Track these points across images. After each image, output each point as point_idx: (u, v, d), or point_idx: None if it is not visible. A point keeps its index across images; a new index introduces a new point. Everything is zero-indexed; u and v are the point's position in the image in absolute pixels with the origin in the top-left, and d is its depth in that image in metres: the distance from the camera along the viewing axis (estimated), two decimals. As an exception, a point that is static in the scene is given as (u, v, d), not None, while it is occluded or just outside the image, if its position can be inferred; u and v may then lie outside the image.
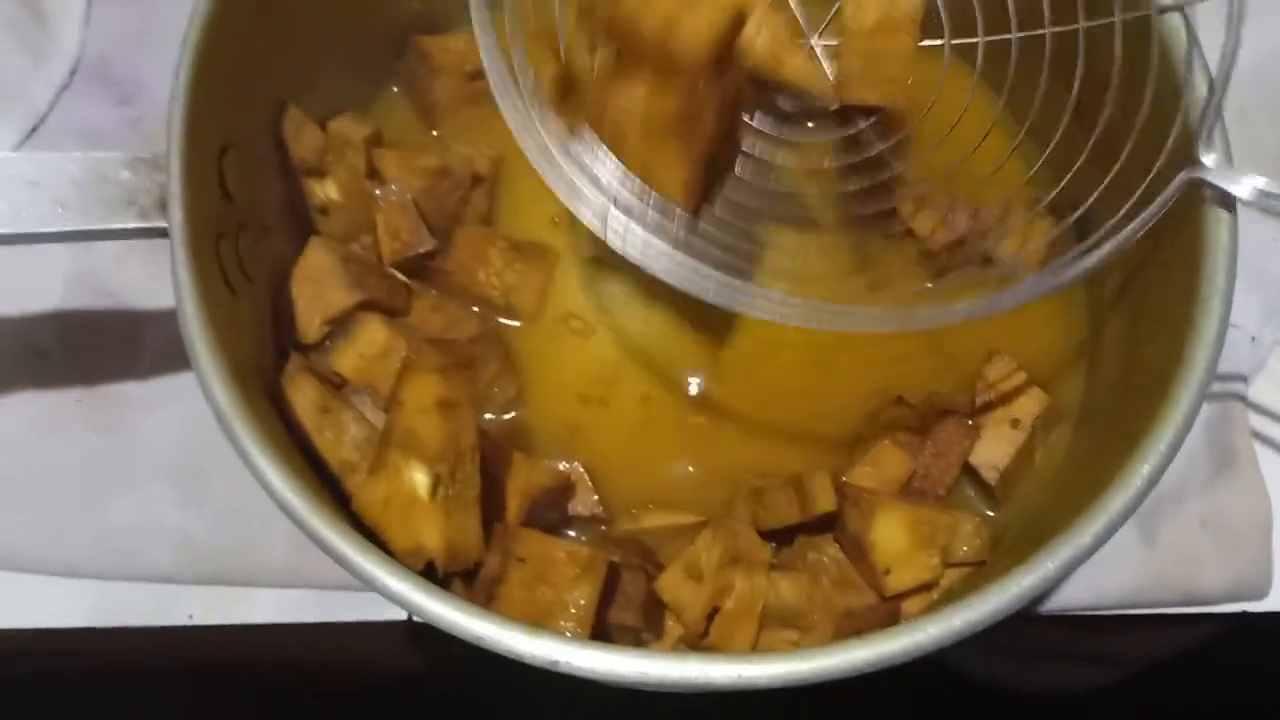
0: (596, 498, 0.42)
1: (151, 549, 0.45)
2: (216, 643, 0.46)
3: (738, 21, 0.36)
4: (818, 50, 0.43)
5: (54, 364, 0.48)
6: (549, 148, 0.36)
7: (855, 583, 0.39)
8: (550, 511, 0.41)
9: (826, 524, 0.41)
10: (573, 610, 0.36)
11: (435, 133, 0.49)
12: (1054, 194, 0.41)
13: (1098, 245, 0.36)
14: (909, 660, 0.30)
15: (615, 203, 0.35)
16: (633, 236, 0.35)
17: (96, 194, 0.36)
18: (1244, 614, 0.47)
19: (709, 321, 0.46)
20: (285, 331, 0.42)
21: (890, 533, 0.39)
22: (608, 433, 0.44)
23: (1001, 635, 0.32)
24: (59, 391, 0.48)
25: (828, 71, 0.43)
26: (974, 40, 0.42)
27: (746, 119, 0.41)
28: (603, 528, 0.42)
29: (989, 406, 0.43)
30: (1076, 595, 0.45)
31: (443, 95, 0.47)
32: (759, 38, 0.37)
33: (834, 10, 0.43)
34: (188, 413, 0.47)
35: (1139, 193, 0.37)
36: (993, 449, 0.42)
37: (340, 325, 0.42)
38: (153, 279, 0.49)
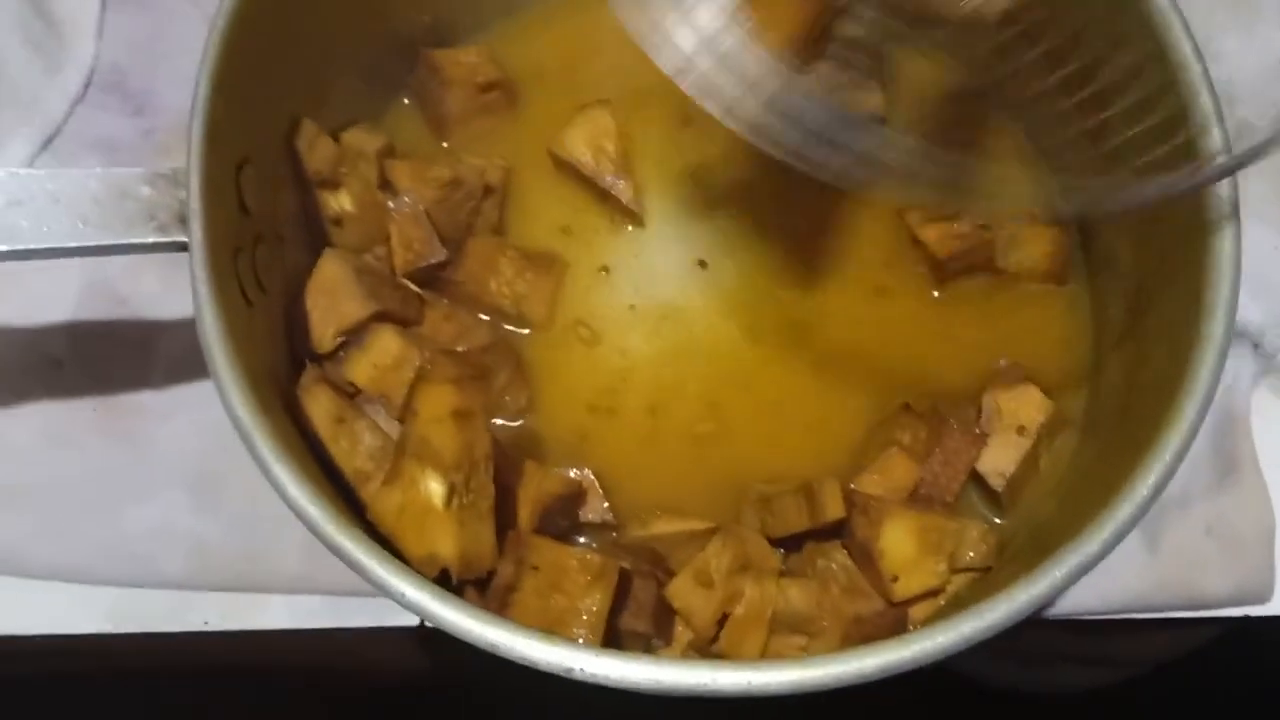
0: (607, 504, 0.42)
1: (166, 556, 0.45)
2: (230, 648, 0.46)
3: None
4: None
5: (68, 374, 0.48)
6: None
7: (863, 589, 0.40)
8: (561, 518, 0.41)
9: (835, 531, 0.41)
10: (585, 617, 0.36)
11: (446, 144, 0.49)
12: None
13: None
14: (917, 668, 0.31)
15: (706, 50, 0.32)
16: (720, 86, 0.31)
17: (117, 210, 0.36)
18: (1246, 618, 0.47)
19: (717, 328, 0.46)
20: (300, 342, 0.42)
21: (898, 540, 0.39)
22: (617, 440, 0.45)
23: (1005, 639, 0.32)
24: (73, 401, 0.48)
25: None
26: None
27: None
28: (613, 534, 0.42)
29: (995, 414, 0.43)
30: (1081, 599, 0.46)
31: (454, 107, 0.48)
32: None
33: None
34: (202, 421, 0.47)
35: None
36: (999, 456, 0.42)
37: (354, 336, 0.42)
38: (167, 288, 0.49)
